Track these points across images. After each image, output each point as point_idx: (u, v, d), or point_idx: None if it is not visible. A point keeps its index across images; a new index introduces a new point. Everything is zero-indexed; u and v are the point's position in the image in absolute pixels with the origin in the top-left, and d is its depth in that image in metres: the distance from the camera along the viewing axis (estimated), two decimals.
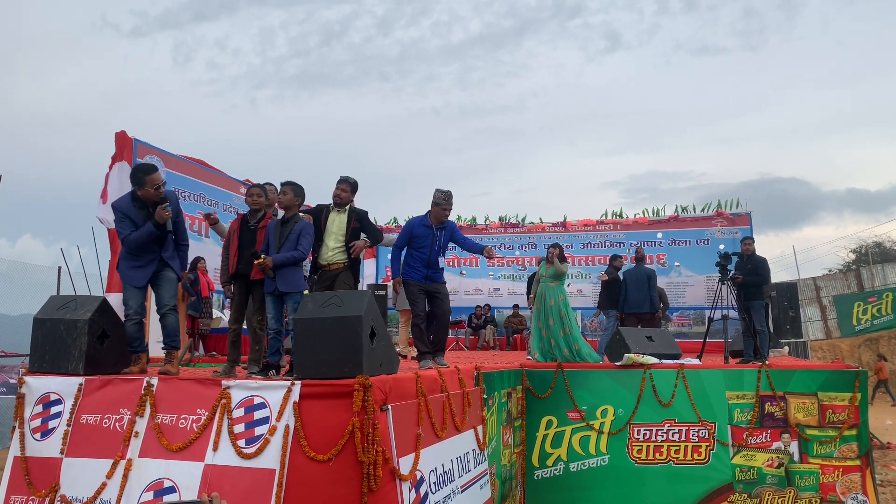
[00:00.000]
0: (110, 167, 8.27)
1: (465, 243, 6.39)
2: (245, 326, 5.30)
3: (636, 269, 9.98)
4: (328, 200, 5.78)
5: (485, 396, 5.88)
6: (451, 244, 6.34)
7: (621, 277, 10.17)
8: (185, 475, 3.94)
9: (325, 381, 3.93)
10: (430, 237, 5.99)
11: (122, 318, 4.96)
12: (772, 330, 9.80)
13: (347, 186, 5.66)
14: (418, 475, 4.17)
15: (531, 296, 9.09)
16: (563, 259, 8.20)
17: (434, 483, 4.42)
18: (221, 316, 9.33)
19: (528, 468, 7.14)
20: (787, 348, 11.38)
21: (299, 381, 3.98)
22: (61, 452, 4.29)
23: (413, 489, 4.06)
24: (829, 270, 27.92)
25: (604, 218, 15.01)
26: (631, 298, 9.71)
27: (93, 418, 4.35)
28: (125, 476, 4.03)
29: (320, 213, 5.59)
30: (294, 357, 4.22)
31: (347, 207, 5.63)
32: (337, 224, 5.53)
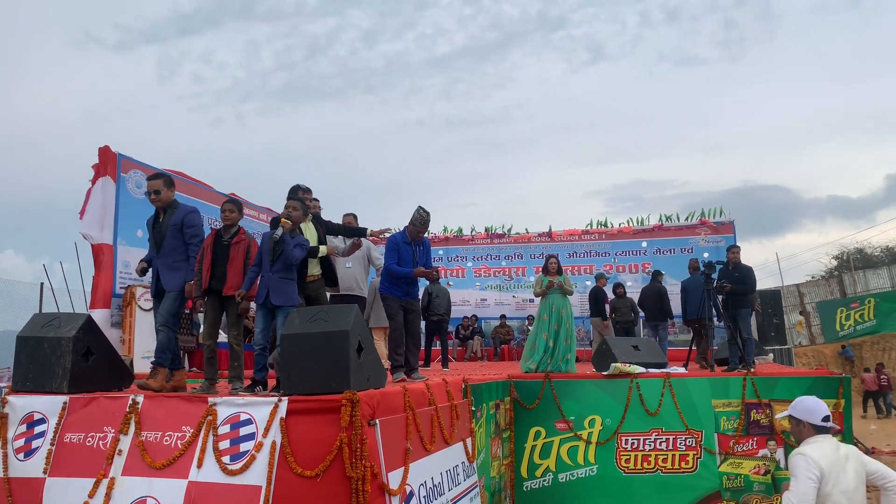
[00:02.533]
0: (93, 182, 8.17)
1: (426, 262, 6.39)
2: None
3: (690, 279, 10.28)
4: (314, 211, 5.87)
5: (473, 408, 5.88)
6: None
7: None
8: (169, 493, 3.89)
9: (312, 397, 3.91)
10: (411, 254, 6.05)
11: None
12: (756, 337, 9.90)
13: (309, 195, 5.91)
14: (408, 489, 4.15)
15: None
16: (560, 271, 8.46)
17: (424, 497, 4.41)
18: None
19: (517, 480, 7.13)
20: (771, 355, 11.47)
21: (286, 397, 3.96)
22: (44, 472, 4.23)
23: (402, 503, 4.04)
24: (812, 277, 28.23)
25: (589, 227, 15.11)
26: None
27: (77, 437, 4.29)
28: (108, 495, 3.98)
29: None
30: (281, 372, 4.20)
31: (310, 217, 5.70)
32: (308, 236, 5.58)
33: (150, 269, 5.33)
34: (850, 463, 3.43)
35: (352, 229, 6.47)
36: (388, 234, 6.16)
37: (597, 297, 11.44)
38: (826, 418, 3.55)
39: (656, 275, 11.38)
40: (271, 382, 5.19)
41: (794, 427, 3.66)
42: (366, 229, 6.32)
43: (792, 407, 3.70)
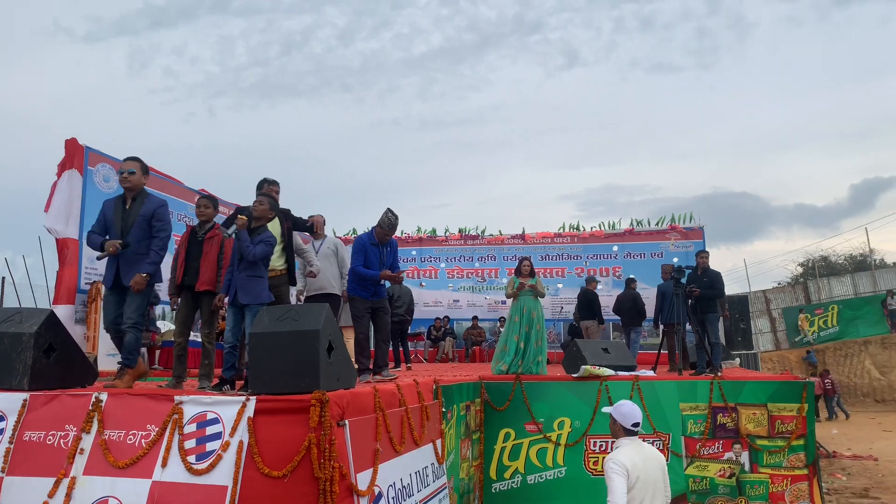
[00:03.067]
0: (58, 175, 7.99)
1: (394, 268, 6.35)
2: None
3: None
4: (288, 206, 5.83)
5: (443, 409, 5.87)
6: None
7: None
8: (132, 493, 3.81)
9: (281, 397, 3.87)
10: (378, 254, 6.05)
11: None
12: (724, 342, 10.05)
13: (276, 188, 5.83)
14: (376, 490, 4.13)
15: None
16: (532, 273, 8.48)
17: (392, 498, 4.38)
18: (166, 328, 9.11)
19: (486, 481, 7.13)
20: (738, 360, 11.66)
21: (254, 397, 3.90)
22: (2, 471, 4.11)
23: None
24: (779, 283, 28.80)
25: (561, 231, 15.21)
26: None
27: (36, 435, 4.18)
28: (68, 495, 3.88)
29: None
30: (249, 372, 4.14)
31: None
32: (272, 227, 5.54)
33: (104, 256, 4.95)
34: (651, 462, 4.04)
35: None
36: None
37: (590, 299, 11.44)
38: (636, 424, 4.11)
39: (630, 281, 11.60)
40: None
41: (612, 425, 4.21)
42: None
43: (614, 408, 4.22)
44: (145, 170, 5.05)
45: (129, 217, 4.88)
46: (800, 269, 31.01)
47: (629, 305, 11.07)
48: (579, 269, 14.79)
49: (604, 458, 7.11)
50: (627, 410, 4.14)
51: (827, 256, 30.82)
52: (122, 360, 4.81)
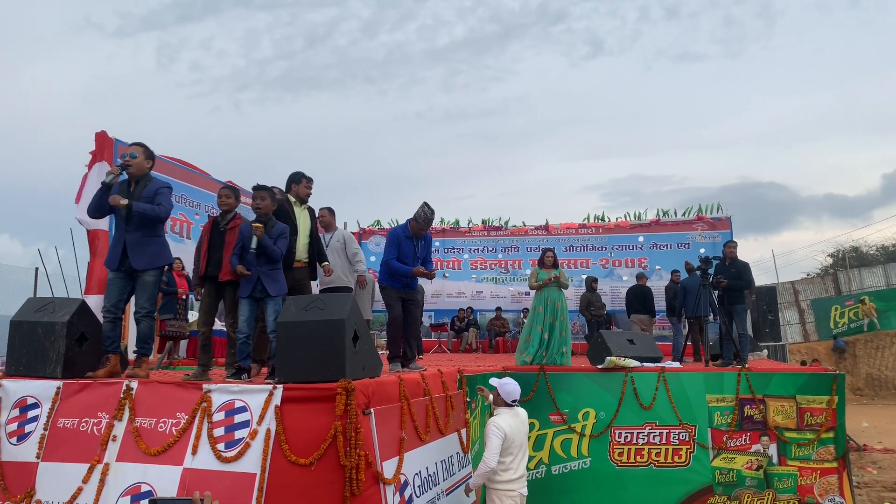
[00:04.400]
0: (89, 167, 8.14)
1: (426, 263, 6.35)
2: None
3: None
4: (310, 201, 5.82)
5: (468, 399, 5.89)
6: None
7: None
8: (163, 479, 3.89)
9: (307, 385, 3.91)
10: (412, 249, 6.04)
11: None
12: (751, 333, 9.94)
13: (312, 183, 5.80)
14: (402, 479, 4.16)
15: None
16: (556, 264, 8.46)
17: (418, 486, 4.41)
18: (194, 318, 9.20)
19: None
20: (766, 351, 11.51)
21: (281, 385, 3.95)
22: (37, 457, 4.22)
23: (397, 493, 4.05)
24: (808, 274, 28.30)
25: (586, 221, 15.08)
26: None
27: (70, 422, 4.28)
28: (102, 480, 3.98)
29: (283, 204, 5.51)
30: (276, 361, 4.19)
31: (305, 206, 5.72)
32: (303, 221, 5.55)
33: (115, 245, 4.86)
34: (523, 427, 4.90)
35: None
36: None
37: (644, 293, 11.52)
38: (514, 401, 4.88)
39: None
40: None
41: (496, 397, 4.92)
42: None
43: (500, 384, 4.91)
44: (149, 155, 4.95)
45: (133, 199, 4.74)
46: (830, 260, 30.46)
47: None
48: (604, 260, 14.68)
49: (629, 449, 7.13)
50: (511, 389, 4.87)
51: (858, 247, 30.23)
52: (136, 349, 4.84)
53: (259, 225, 4.76)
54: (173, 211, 9.27)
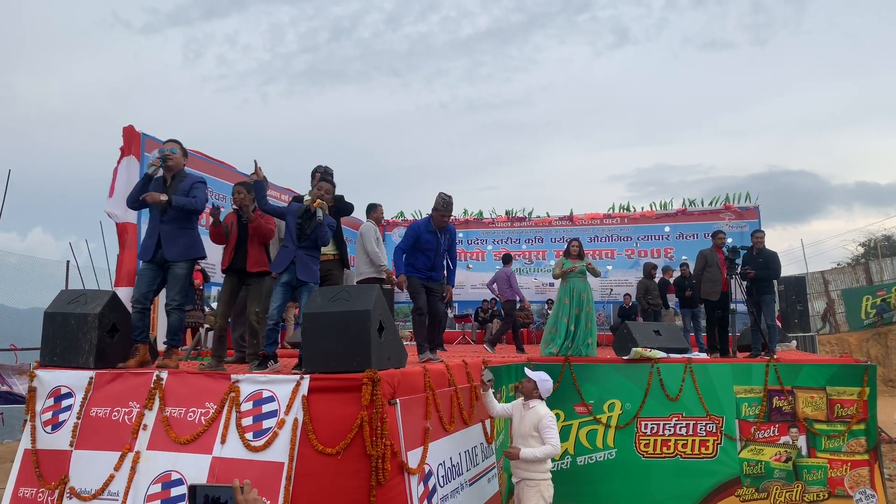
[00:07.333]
0: (118, 161, 8.25)
1: (451, 254, 6.39)
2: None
3: None
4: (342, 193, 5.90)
5: (492, 390, 5.88)
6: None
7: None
8: (193, 468, 3.96)
9: (333, 375, 3.94)
10: (435, 242, 6.04)
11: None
12: (780, 324, 9.80)
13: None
14: (426, 468, 4.18)
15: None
16: (581, 254, 8.41)
17: (442, 476, 4.43)
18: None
19: None
20: (794, 342, 11.34)
21: (308, 375, 3.99)
22: (71, 445, 4.32)
23: (421, 482, 4.07)
24: (838, 264, 27.76)
25: (611, 212, 14.98)
26: None
27: (102, 411, 4.37)
28: (133, 468, 4.06)
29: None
30: (303, 351, 4.23)
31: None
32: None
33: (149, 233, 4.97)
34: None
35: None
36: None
37: (666, 287, 11.48)
38: (548, 395, 5.06)
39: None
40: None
41: (533, 390, 4.99)
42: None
43: (539, 379, 5.00)
44: (185, 152, 5.19)
45: (169, 195, 4.86)
46: (861, 250, 29.83)
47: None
48: (629, 250, 14.55)
49: (655, 440, 7.08)
50: (550, 386, 5.09)
51: (890, 236, 29.51)
52: (167, 340, 4.95)
53: (325, 203, 4.93)
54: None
